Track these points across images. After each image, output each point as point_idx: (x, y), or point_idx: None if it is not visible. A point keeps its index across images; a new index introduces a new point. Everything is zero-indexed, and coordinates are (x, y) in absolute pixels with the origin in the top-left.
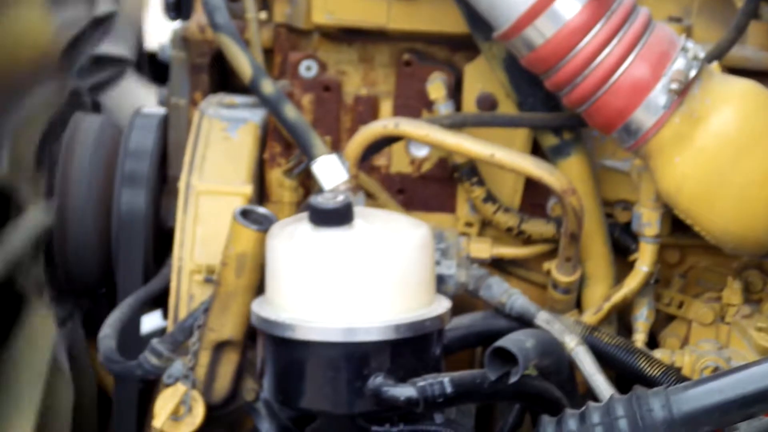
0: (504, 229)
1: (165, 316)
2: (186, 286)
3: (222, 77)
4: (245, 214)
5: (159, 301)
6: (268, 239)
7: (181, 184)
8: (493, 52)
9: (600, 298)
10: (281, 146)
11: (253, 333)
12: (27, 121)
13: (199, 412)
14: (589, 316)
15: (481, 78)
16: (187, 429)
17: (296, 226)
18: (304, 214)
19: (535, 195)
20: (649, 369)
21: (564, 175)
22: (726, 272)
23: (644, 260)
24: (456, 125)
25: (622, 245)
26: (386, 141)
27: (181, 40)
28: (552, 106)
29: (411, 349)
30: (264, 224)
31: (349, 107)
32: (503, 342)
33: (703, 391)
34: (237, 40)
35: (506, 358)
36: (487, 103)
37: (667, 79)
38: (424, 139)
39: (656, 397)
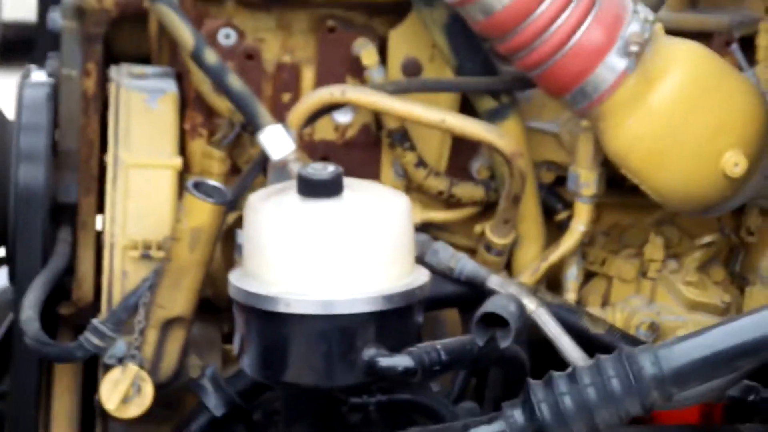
0: (434, 194)
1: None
2: (119, 262)
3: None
4: (196, 186)
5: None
6: (248, 211)
7: (109, 158)
8: (434, 18)
9: (532, 258)
10: (202, 116)
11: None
12: None
13: (148, 393)
14: (527, 277)
15: (405, 43)
16: (137, 410)
17: (282, 198)
18: (283, 185)
19: (457, 158)
20: (592, 327)
21: (512, 139)
22: (645, 228)
23: (580, 220)
24: (400, 91)
25: (548, 206)
26: (327, 109)
27: (75, 10)
28: (488, 70)
29: (400, 318)
30: (216, 197)
31: (270, 75)
32: (491, 307)
33: (691, 345)
34: (176, 10)
35: (489, 322)
36: (413, 67)
37: (622, 42)
38: (372, 105)
39: (645, 355)
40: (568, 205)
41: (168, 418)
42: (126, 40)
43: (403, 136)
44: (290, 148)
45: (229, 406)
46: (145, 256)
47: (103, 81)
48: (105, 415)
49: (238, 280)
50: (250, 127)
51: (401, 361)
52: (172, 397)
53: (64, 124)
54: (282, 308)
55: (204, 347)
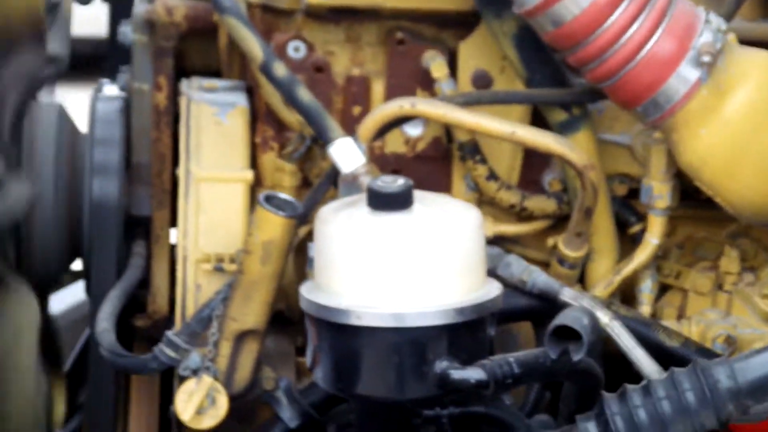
0: (506, 207)
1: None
2: (192, 276)
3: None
4: (268, 200)
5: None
6: (319, 224)
7: (181, 172)
8: (504, 30)
9: (606, 272)
10: (273, 130)
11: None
12: (5, 88)
13: (222, 404)
14: (601, 290)
15: (475, 55)
16: (212, 421)
17: (352, 211)
18: (353, 198)
19: (528, 171)
20: (668, 340)
21: (584, 151)
22: (720, 241)
23: (654, 232)
24: (470, 103)
25: (621, 219)
26: (397, 121)
27: (145, 24)
28: (559, 82)
29: (472, 331)
30: (288, 211)
31: (340, 88)
32: (564, 320)
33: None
34: (246, 22)
35: (562, 335)
36: (483, 80)
37: (694, 52)
38: (442, 118)
39: (721, 368)
40: (642, 218)
41: (241, 431)
42: (195, 53)
43: (474, 149)
44: (360, 161)
45: (303, 418)
46: (218, 269)
47: (175, 95)
48: (180, 426)
49: (309, 292)
50: (321, 140)
51: (473, 373)
52: (246, 409)
53: (136, 137)
54: (353, 321)
55: (277, 360)
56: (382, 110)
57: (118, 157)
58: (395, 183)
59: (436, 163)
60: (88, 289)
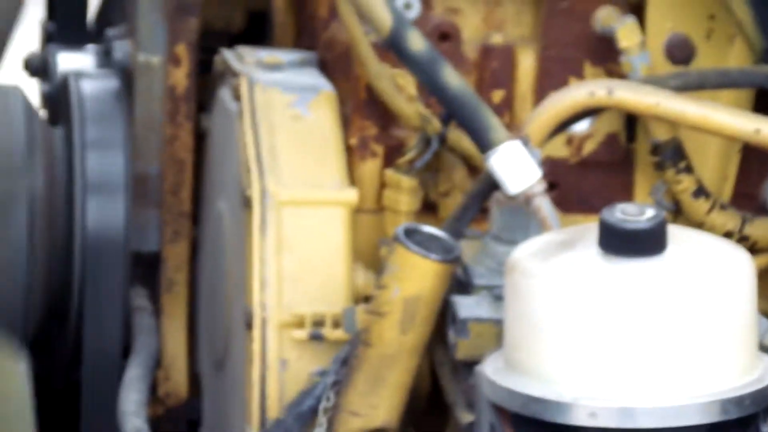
0: (720, 235)
1: None
2: (275, 346)
3: None
4: (408, 235)
5: None
6: (519, 278)
7: (254, 193)
8: None
9: None
10: (377, 126)
11: None
12: None
13: None
14: None
15: (671, 14)
16: None
17: (573, 257)
18: (561, 238)
19: (742, 182)
20: None
21: None
22: None
23: None
24: (690, 87)
25: None
26: (581, 116)
27: None
28: None
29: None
30: (439, 252)
31: (471, 63)
32: None
33: None
34: None
35: None
36: (682, 49)
37: None
38: (652, 110)
39: None
40: None
41: None
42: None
43: (677, 153)
44: (536, 175)
45: None
46: (315, 337)
47: (198, 72)
48: None
49: (500, 376)
50: (479, 145)
51: None
52: None
53: (142, 135)
54: (583, 419)
55: None
56: (563, 99)
57: (122, 165)
58: (643, 215)
59: (610, 172)
60: (75, 359)
